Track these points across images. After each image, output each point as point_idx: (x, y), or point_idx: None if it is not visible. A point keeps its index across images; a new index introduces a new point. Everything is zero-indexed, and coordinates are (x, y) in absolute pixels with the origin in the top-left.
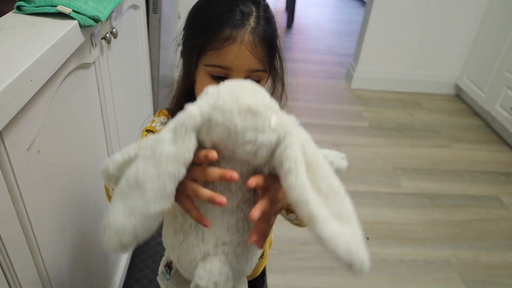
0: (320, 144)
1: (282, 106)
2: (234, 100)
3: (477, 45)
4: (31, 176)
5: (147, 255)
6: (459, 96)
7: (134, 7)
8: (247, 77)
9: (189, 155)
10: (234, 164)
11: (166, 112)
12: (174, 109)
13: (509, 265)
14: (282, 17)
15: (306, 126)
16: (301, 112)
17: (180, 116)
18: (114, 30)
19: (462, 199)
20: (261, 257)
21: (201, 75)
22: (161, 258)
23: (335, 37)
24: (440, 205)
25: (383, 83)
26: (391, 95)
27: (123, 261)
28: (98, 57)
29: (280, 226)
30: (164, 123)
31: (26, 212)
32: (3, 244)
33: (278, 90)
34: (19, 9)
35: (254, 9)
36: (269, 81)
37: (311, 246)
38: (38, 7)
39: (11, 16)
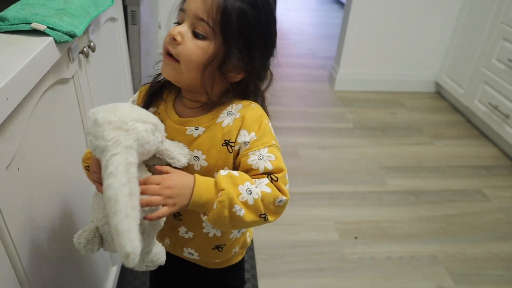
0: (305, 146)
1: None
2: (95, 112)
3: (454, 43)
4: (11, 194)
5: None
6: (439, 93)
7: (112, 19)
8: (193, 24)
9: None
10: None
11: (144, 87)
12: (153, 83)
13: (494, 257)
14: None
15: (290, 129)
16: (285, 116)
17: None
18: (92, 44)
19: (446, 195)
20: (223, 247)
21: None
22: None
23: (317, 41)
24: (424, 202)
25: (365, 84)
26: (374, 95)
27: (113, 273)
28: (77, 71)
29: (269, 230)
30: (133, 102)
31: (8, 231)
32: None
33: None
34: None
35: None
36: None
37: (300, 249)
38: (12, 25)
39: None
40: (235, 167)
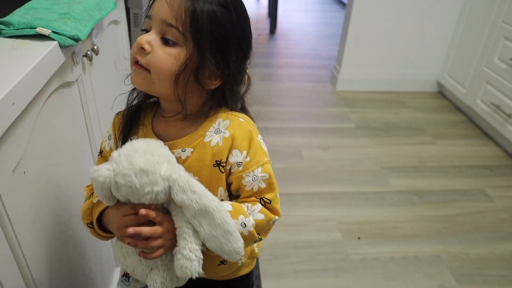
0: (308, 147)
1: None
2: (130, 165)
3: (456, 42)
4: (18, 197)
5: None
6: (441, 93)
7: (115, 22)
8: (162, 30)
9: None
10: (146, 206)
11: (117, 117)
12: (125, 112)
13: (497, 257)
14: (265, 23)
15: (293, 130)
16: (287, 117)
17: (95, 182)
18: (95, 47)
19: (449, 194)
20: (225, 263)
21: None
22: None
23: (318, 41)
24: (427, 202)
25: (367, 84)
26: (376, 95)
27: (116, 276)
28: (81, 74)
29: (272, 231)
30: (109, 136)
31: (14, 233)
32: None
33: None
34: None
35: None
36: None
37: (303, 249)
38: (17, 29)
39: None
40: (227, 185)
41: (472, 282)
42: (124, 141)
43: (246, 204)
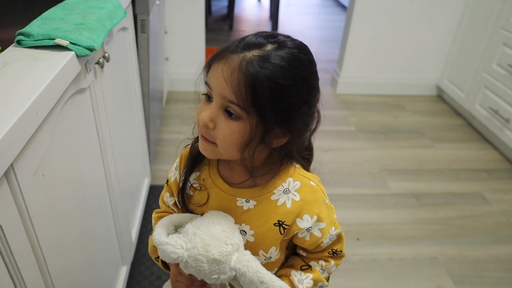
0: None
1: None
2: (204, 251)
3: (455, 47)
4: (38, 198)
5: (145, 267)
6: (440, 97)
7: (124, 29)
8: (223, 105)
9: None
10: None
11: (185, 151)
12: (193, 145)
13: (493, 259)
14: (266, 26)
15: None
16: None
17: (164, 253)
18: (106, 54)
19: (446, 197)
20: None
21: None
22: (158, 270)
23: (319, 44)
24: (426, 204)
25: (367, 88)
26: (375, 98)
27: (123, 274)
28: (93, 81)
29: None
30: (176, 168)
31: (34, 231)
32: (15, 261)
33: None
34: (19, 43)
35: (268, 46)
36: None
37: None
38: (37, 40)
39: (12, 50)
40: (281, 242)
41: (469, 284)
42: (186, 177)
43: (320, 263)
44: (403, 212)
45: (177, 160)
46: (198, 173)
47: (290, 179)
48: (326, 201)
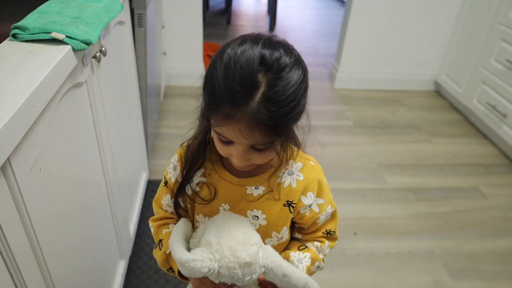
0: (306, 144)
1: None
2: (235, 258)
3: (453, 42)
4: (35, 192)
5: (143, 261)
6: (438, 92)
7: (121, 23)
8: (249, 146)
9: None
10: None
11: (182, 149)
12: (193, 145)
13: (489, 253)
14: (264, 21)
15: None
16: None
17: (193, 269)
18: (103, 48)
19: (444, 192)
20: None
21: (214, 133)
22: (156, 264)
23: (317, 38)
24: (423, 199)
25: (365, 82)
26: (374, 93)
27: (121, 268)
28: (90, 75)
29: None
30: (174, 167)
31: (32, 225)
32: (12, 255)
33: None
34: (15, 36)
35: (262, 81)
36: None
37: None
38: (33, 34)
39: (8, 44)
40: (294, 221)
41: (465, 277)
42: (188, 174)
43: (315, 244)
44: (401, 207)
45: (174, 160)
46: (203, 170)
47: (292, 162)
48: (325, 179)
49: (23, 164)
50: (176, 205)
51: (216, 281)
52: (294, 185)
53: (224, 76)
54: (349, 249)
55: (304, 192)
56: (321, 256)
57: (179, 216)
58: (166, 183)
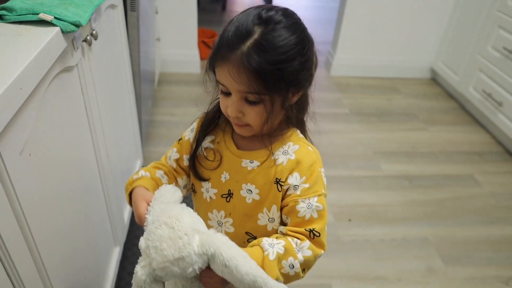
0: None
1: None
2: (163, 257)
3: (451, 30)
4: (25, 178)
5: (137, 248)
6: (434, 80)
7: (112, 6)
8: (242, 96)
9: None
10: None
11: (202, 115)
12: (209, 112)
13: (483, 240)
14: None
15: None
16: None
17: (137, 281)
18: (94, 32)
19: (438, 179)
20: None
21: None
22: None
23: (313, 25)
24: (418, 186)
25: (361, 70)
26: (370, 81)
27: (115, 255)
28: (80, 59)
29: None
30: (192, 129)
31: (22, 212)
32: (3, 242)
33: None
34: (1, 18)
35: (257, 31)
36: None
37: None
38: (20, 15)
39: None
40: (281, 206)
41: (458, 263)
42: (199, 141)
43: (295, 240)
44: (396, 194)
45: (194, 122)
46: (214, 137)
47: (290, 143)
48: (320, 169)
49: (12, 148)
50: (194, 165)
51: (169, 284)
52: (285, 164)
53: (226, 30)
54: (344, 236)
55: (291, 172)
56: (299, 255)
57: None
58: (180, 139)
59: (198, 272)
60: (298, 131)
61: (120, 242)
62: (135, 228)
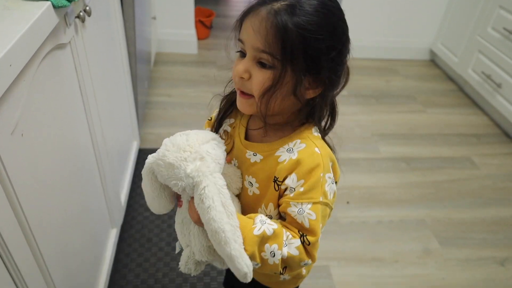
0: None
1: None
2: (163, 157)
3: (450, 10)
4: (17, 158)
5: (135, 230)
6: (433, 61)
7: None
8: (256, 56)
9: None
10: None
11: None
12: (232, 94)
13: (479, 221)
14: None
15: None
16: None
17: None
18: (87, 8)
19: (436, 162)
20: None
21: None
22: (149, 232)
23: None
24: (415, 168)
25: (360, 51)
26: (368, 62)
27: (112, 237)
28: (73, 36)
29: None
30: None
31: (15, 194)
32: None
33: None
34: None
35: None
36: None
37: None
38: None
39: None
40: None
41: (455, 244)
42: (220, 122)
43: (287, 233)
44: (393, 176)
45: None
46: (233, 120)
47: (298, 140)
48: (323, 175)
49: (3, 128)
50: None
51: (159, 178)
52: (285, 162)
53: None
54: (342, 218)
55: (290, 172)
56: (285, 248)
57: None
58: (210, 118)
59: (180, 191)
60: (315, 129)
61: (117, 224)
62: (132, 211)
